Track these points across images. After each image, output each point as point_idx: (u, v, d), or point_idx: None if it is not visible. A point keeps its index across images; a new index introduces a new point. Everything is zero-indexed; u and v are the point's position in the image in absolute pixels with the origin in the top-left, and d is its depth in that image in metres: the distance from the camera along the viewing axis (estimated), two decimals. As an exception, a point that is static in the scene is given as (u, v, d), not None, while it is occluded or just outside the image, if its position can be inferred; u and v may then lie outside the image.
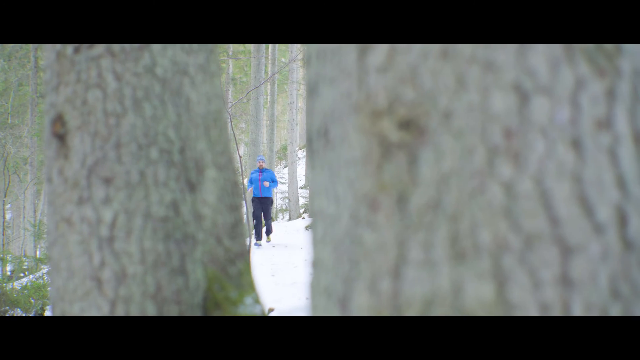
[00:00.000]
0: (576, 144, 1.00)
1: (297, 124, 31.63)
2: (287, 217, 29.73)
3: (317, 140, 1.23)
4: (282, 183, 36.20)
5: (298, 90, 33.03)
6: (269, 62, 29.75)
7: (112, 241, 2.07)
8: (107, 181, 2.08)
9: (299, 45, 29.77)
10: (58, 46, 2.20)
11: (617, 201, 1.01)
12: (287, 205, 29.98)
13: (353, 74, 1.13)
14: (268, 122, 29.54)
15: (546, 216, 0.98)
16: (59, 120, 2.15)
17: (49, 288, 11.25)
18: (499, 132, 1.00)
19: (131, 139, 2.11)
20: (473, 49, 1.04)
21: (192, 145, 2.23)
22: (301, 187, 32.64)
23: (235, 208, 2.38)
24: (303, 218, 26.50)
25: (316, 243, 1.23)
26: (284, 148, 41.47)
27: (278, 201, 34.22)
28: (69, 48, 2.18)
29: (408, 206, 1.04)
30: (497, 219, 0.99)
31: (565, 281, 0.98)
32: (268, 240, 18.09)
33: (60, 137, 2.14)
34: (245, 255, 2.39)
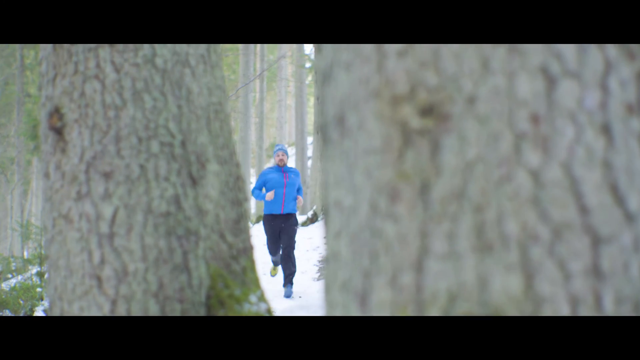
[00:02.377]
0: (606, 130, 0.97)
1: (286, 122, 31.59)
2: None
3: (332, 129, 1.19)
4: (272, 180, 36.08)
5: (287, 87, 32.97)
6: (258, 58, 29.68)
7: (112, 238, 2.03)
8: (107, 176, 2.04)
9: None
10: (55, 36, 2.15)
11: (648, 189, 0.98)
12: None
13: (371, 57, 1.09)
14: (257, 119, 29.45)
15: (576, 205, 0.95)
16: (55, 113, 2.11)
17: (37, 289, 11.20)
18: (526, 118, 0.97)
19: (131, 132, 2.07)
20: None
21: (194, 138, 2.19)
22: (291, 185, 32.52)
23: (238, 203, 2.35)
24: (294, 215, 26.42)
25: (332, 236, 1.19)
26: (273, 146, 41.43)
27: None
28: (67, 38, 2.13)
29: (431, 196, 1.00)
30: (525, 208, 0.95)
31: (597, 272, 0.94)
32: (286, 292, 9.34)
33: (58, 131, 2.10)
34: (249, 251, 2.35)
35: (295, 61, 26.21)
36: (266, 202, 9.70)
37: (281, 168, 9.87)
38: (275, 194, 9.60)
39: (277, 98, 30.61)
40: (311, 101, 36.54)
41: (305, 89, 25.08)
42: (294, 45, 28.23)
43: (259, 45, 28.59)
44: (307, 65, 26.34)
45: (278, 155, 9.91)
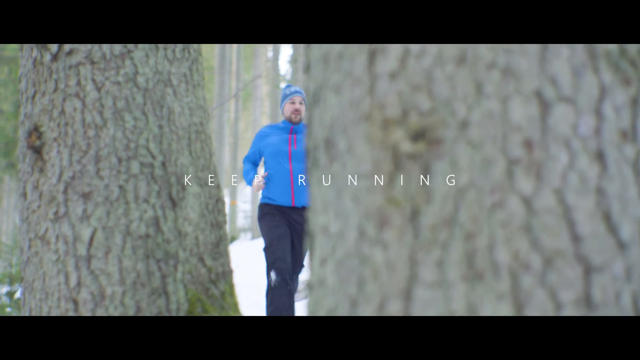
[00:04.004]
0: (600, 156, 0.95)
1: (261, 142, 31.51)
2: (249, 236, 29.41)
3: (320, 152, 1.16)
4: (245, 202, 35.85)
5: (262, 107, 32.98)
6: (233, 77, 29.67)
7: (89, 260, 2.00)
8: (85, 196, 2.01)
9: (263, 62, 29.70)
10: (35, 53, 2.13)
11: (641, 217, 0.96)
12: (250, 224, 29.49)
13: (362, 79, 1.07)
14: (231, 139, 29.38)
15: (568, 233, 0.93)
16: (34, 131, 2.08)
17: (7, 309, 11.03)
18: (520, 143, 0.95)
19: (111, 152, 2.04)
20: (493, 55, 0.98)
21: (174, 159, 2.16)
22: (265, 206, 32.32)
23: (218, 225, 2.32)
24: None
25: (318, 263, 1.16)
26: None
27: (240, 220, 29.44)
28: (47, 55, 2.11)
29: (421, 222, 0.98)
30: (516, 236, 0.93)
31: (588, 302, 0.92)
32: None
33: (36, 150, 2.07)
34: (228, 275, 2.31)
35: (271, 81, 26.26)
36: (266, 186, 5.30)
37: (291, 126, 5.34)
38: (278, 172, 5.23)
39: (252, 118, 30.59)
40: (287, 122, 36.51)
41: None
42: (269, 65, 28.24)
43: (234, 64, 28.59)
44: (282, 85, 26.36)
45: (293, 102, 5.39)
